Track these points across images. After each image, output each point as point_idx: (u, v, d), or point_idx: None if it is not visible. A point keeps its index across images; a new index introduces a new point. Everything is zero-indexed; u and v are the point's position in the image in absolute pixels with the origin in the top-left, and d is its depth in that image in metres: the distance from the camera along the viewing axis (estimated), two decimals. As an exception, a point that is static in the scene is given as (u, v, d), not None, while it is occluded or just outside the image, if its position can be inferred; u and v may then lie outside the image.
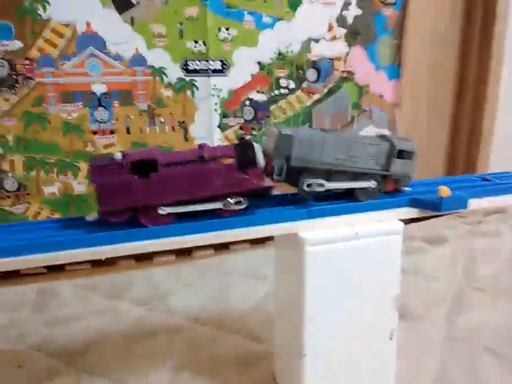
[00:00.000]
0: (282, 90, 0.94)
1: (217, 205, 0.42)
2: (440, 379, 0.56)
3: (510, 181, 0.54)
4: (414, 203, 0.48)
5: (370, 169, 0.46)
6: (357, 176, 0.46)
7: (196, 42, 0.85)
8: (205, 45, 0.86)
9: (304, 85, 0.96)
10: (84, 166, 0.84)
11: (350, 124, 1.02)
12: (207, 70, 0.87)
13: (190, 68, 0.86)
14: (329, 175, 0.45)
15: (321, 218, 0.45)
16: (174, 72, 0.85)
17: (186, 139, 0.89)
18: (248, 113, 0.92)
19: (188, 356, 0.61)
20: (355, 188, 0.46)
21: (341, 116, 1.01)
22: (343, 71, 0.98)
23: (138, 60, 0.83)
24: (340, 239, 0.45)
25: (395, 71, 1.03)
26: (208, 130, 0.90)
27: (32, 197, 0.83)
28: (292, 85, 0.94)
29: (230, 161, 0.41)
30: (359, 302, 0.47)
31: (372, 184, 0.46)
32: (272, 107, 0.94)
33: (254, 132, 0.94)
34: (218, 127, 0.91)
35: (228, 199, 0.41)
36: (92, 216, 0.41)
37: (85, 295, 0.78)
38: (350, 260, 0.46)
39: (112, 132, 0.84)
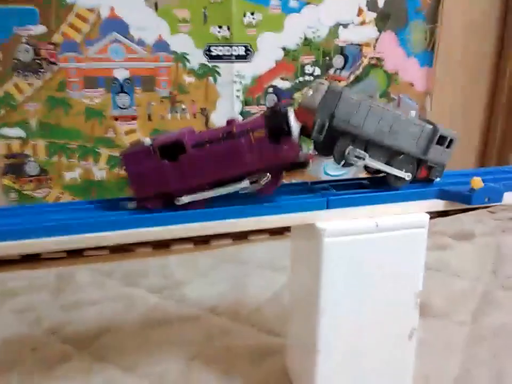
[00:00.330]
0: (307, 77, 0.91)
1: (244, 184, 0.39)
2: (461, 381, 0.53)
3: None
4: (442, 194, 0.45)
5: (409, 150, 0.43)
6: (393, 155, 0.43)
7: (220, 27, 0.83)
8: (229, 30, 0.84)
9: (331, 72, 0.92)
10: (104, 152, 0.84)
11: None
12: (230, 55, 0.85)
13: (213, 53, 0.84)
14: (367, 147, 0.42)
15: (341, 208, 0.43)
16: (197, 58, 0.84)
17: (207, 126, 0.87)
18: (271, 100, 0.90)
19: (201, 346, 0.60)
20: (391, 173, 0.43)
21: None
22: (371, 58, 0.94)
23: (161, 45, 0.82)
24: (360, 231, 0.43)
25: (427, 58, 0.98)
26: (229, 117, 0.88)
27: (53, 182, 0.83)
28: (318, 71, 0.91)
29: (262, 133, 0.38)
30: (377, 298, 0.45)
31: (407, 175, 0.43)
32: (296, 94, 0.91)
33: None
34: (240, 114, 0.89)
35: (256, 176, 0.39)
36: (132, 205, 0.40)
37: (102, 280, 0.78)
38: (370, 253, 0.43)
39: (133, 118, 0.84)
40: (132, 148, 0.40)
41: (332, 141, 0.41)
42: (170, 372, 0.55)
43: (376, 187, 0.45)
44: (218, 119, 0.87)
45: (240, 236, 0.94)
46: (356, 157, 0.41)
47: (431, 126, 0.43)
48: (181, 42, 0.82)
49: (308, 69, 0.90)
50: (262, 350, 0.59)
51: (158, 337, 0.62)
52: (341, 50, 0.91)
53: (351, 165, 0.42)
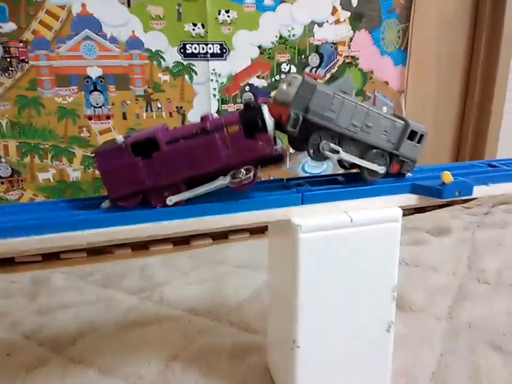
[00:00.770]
0: (284, 76, 0.91)
1: (225, 180, 0.39)
2: (439, 373, 0.54)
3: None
4: (415, 189, 0.45)
5: (381, 145, 0.44)
6: (366, 149, 0.43)
7: (195, 25, 0.83)
8: (203, 27, 0.83)
9: (307, 70, 0.93)
10: (79, 152, 0.82)
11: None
12: (205, 53, 0.84)
13: (188, 51, 0.83)
14: (340, 141, 0.42)
15: (316, 204, 0.43)
16: (172, 56, 0.83)
17: (182, 124, 0.86)
18: (248, 98, 0.90)
19: (180, 347, 0.59)
20: (365, 167, 0.44)
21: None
22: (346, 56, 0.95)
23: (135, 42, 0.81)
24: (335, 225, 0.43)
25: (401, 57, 0.99)
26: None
27: (26, 184, 0.81)
28: (294, 70, 0.92)
29: (236, 128, 0.38)
30: (354, 292, 0.45)
31: (381, 169, 0.44)
32: (273, 93, 0.91)
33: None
34: (217, 113, 0.88)
35: (233, 172, 0.39)
36: (106, 203, 0.39)
37: (79, 284, 0.77)
38: (345, 248, 0.44)
39: (108, 117, 0.82)
40: (104, 146, 0.39)
41: (306, 135, 0.41)
42: (149, 373, 0.54)
43: (351, 182, 0.45)
44: (194, 118, 0.87)
45: (220, 236, 0.94)
46: (330, 150, 0.41)
47: (402, 122, 0.44)
48: (155, 40, 0.81)
49: (284, 67, 0.91)
50: (242, 348, 0.59)
51: (136, 339, 0.61)
52: (317, 49, 0.92)
53: (326, 158, 0.42)
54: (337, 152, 0.42)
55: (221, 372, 0.54)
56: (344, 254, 0.44)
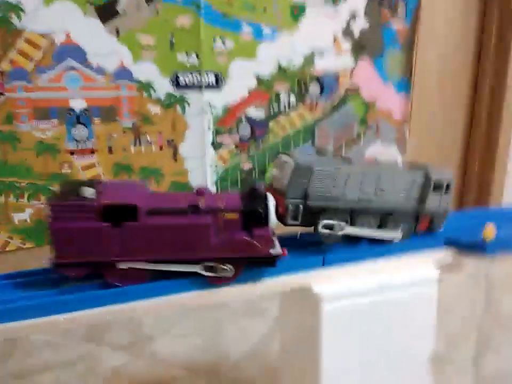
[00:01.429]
0: (282, 106, 0.86)
1: (200, 270, 0.33)
2: None
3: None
4: (452, 244, 0.39)
5: (401, 207, 0.38)
6: (386, 215, 0.38)
7: (188, 54, 0.77)
8: (198, 57, 0.77)
9: (307, 100, 0.88)
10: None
11: (356, 140, 0.94)
12: (199, 84, 0.79)
13: (180, 82, 0.77)
14: (353, 215, 0.37)
15: (338, 267, 0.37)
16: (163, 87, 0.77)
17: (175, 159, 0.80)
18: (244, 130, 0.84)
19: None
20: (375, 237, 0.38)
21: (346, 133, 0.93)
22: (348, 89, 0.90)
23: (123, 73, 0.75)
24: (362, 292, 0.36)
25: (404, 86, 0.95)
26: (200, 149, 0.81)
27: (0, 225, 0.73)
28: (293, 100, 0.86)
29: (234, 216, 0.32)
30: (385, 366, 0.39)
31: (397, 234, 0.38)
32: (271, 123, 0.86)
33: (251, 152, 0.85)
34: (212, 144, 0.82)
35: (210, 264, 0.32)
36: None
37: (58, 340, 0.68)
38: (374, 316, 0.37)
39: (92, 152, 0.75)
40: (64, 196, 0.31)
41: (311, 220, 0.36)
42: None
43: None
44: (187, 151, 0.80)
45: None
46: (340, 227, 0.36)
47: (421, 172, 0.39)
48: (145, 70, 0.75)
49: (283, 97, 0.85)
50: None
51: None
52: (317, 79, 0.87)
53: (334, 236, 0.37)
54: (342, 229, 0.36)
55: None
56: (374, 323, 0.37)
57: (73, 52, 0.72)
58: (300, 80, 0.86)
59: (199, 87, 0.78)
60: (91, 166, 0.76)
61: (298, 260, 0.36)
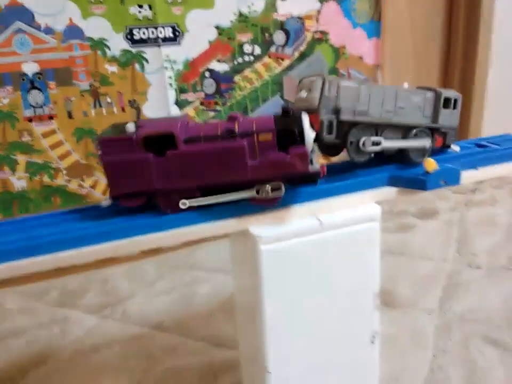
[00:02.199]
0: (247, 58, 0.83)
1: (248, 194, 0.34)
2: (431, 379, 0.48)
3: (509, 145, 0.45)
4: (393, 181, 0.39)
5: (419, 122, 0.40)
6: (405, 132, 0.40)
7: (141, 6, 0.74)
8: (151, 9, 0.74)
9: (272, 49, 0.85)
10: (22, 158, 0.73)
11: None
12: (156, 38, 0.75)
13: (135, 37, 0.74)
14: (377, 132, 0.39)
15: (278, 208, 0.36)
16: (118, 44, 0.74)
17: (137, 119, 0.78)
18: (209, 86, 0.81)
19: (143, 371, 0.53)
20: (410, 146, 0.40)
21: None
22: (315, 32, 0.87)
23: (73, 31, 0.72)
24: (302, 232, 0.36)
25: (375, 29, 0.92)
26: (164, 108, 0.79)
27: (-35, 198, 0.73)
28: (258, 50, 0.83)
29: (268, 137, 0.32)
30: (330, 305, 0.39)
31: (427, 142, 0.40)
32: (237, 77, 0.83)
33: (218, 108, 0.83)
34: (176, 104, 0.80)
35: (265, 185, 0.33)
36: (106, 201, 0.34)
37: (32, 304, 0.69)
38: (316, 256, 0.37)
39: (51, 117, 0.73)
40: (112, 132, 0.33)
41: (340, 137, 0.37)
42: None
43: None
44: (151, 111, 0.78)
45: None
46: (373, 144, 0.38)
47: (431, 92, 0.41)
48: (97, 27, 0.72)
49: (247, 48, 0.82)
50: (214, 366, 0.53)
51: (94, 366, 0.55)
52: (281, 25, 0.84)
53: (369, 154, 0.38)
54: (379, 143, 0.38)
55: None
56: (315, 263, 0.37)
57: (20, 13, 0.69)
58: (263, 29, 0.82)
59: (156, 42, 0.75)
60: (51, 132, 0.74)
61: (237, 205, 0.35)
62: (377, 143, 0.38)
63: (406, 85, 0.41)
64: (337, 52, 0.90)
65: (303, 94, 0.38)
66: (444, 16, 0.99)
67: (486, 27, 0.95)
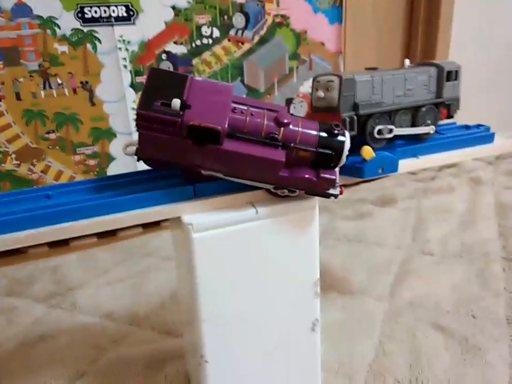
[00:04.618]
0: (205, 40, 0.81)
1: (270, 187, 0.35)
2: (377, 364, 0.49)
3: (452, 133, 0.46)
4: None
5: (427, 100, 0.43)
6: (415, 112, 0.43)
7: (92, -16, 0.71)
8: (103, -14, 0.71)
9: (232, 33, 0.83)
10: (-33, 142, 0.70)
11: (289, 77, 0.90)
12: (109, 17, 0.73)
13: (87, 16, 0.71)
14: (390, 117, 0.41)
15: (212, 197, 0.35)
16: (68, 22, 0.71)
17: (92, 103, 0.75)
18: (166, 68, 0.79)
19: (90, 361, 0.52)
20: (418, 132, 0.43)
21: (277, 68, 0.89)
22: (276, 15, 0.85)
23: (22, 9, 0.68)
24: (237, 220, 0.35)
25: (337, 14, 0.91)
26: (118, 91, 0.76)
27: None
28: (217, 33, 0.81)
29: (307, 154, 0.33)
30: (268, 294, 0.39)
31: (431, 129, 0.43)
32: (195, 60, 0.81)
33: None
34: (131, 86, 0.77)
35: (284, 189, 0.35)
36: (130, 148, 0.34)
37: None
38: (251, 244, 0.37)
39: (-3, 99, 0.70)
40: (155, 106, 0.31)
41: (360, 125, 0.39)
42: None
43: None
44: (105, 94, 0.76)
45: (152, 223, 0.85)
46: (389, 130, 0.40)
47: (434, 67, 0.43)
48: (46, 4, 0.69)
49: (205, 30, 0.80)
50: (161, 356, 0.52)
51: (39, 357, 0.53)
52: (241, 8, 0.82)
53: (385, 140, 0.41)
54: (391, 130, 0.40)
55: (135, 381, 0.48)
56: (251, 252, 0.37)
57: (-39, -13, 0.65)
58: (222, 11, 0.80)
59: (108, 21, 0.73)
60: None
61: (168, 191, 0.34)
62: (391, 130, 0.40)
63: (407, 62, 0.44)
64: (298, 37, 0.89)
65: (321, 93, 0.39)
66: (406, 1, 0.99)
67: (446, 13, 0.96)
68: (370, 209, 0.89)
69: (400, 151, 0.40)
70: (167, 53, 0.79)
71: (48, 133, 0.73)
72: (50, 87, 0.72)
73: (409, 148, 0.42)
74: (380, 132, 0.39)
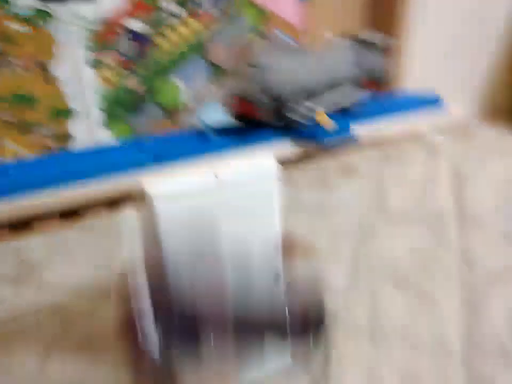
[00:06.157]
0: (166, 17, 0.79)
1: None
2: (340, 316, 0.51)
3: (400, 100, 0.47)
4: (290, 136, 0.39)
5: (348, 75, 0.43)
6: (336, 87, 0.42)
7: (43, -44, 0.68)
8: (55, -41, 0.68)
9: (194, 8, 0.81)
10: None
11: (252, 54, 0.90)
12: (63, -7, 0.70)
13: (39, -9, 0.69)
14: (311, 96, 0.41)
15: (171, 163, 0.36)
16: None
17: (48, 83, 0.73)
18: (126, 45, 0.77)
19: (59, 336, 0.52)
20: (337, 102, 0.42)
21: (241, 46, 0.88)
22: (238, -8, 0.84)
23: (-33, -17, 0.65)
24: (198, 189, 0.36)
25: (299, -10, 0.91)
26: (76, 70, 0.74)
27: None
28: (178, 9, 0.80)
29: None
30: (232, 264, 0.39)
31: (350, 93, 0.43)
32: (156, 37, 0.80)
33: (135, 69, 0.79)
34: (89, 64, 0.75)
35: None
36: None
37: None
38: (213, 211, 0.37)
39: None
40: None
41: (280, 109, 0.39)
42: (23, 373, 0.47)
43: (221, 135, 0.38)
44: (61, 73, 0.73)
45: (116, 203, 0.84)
46: (309, 108, 0.40)
47: (356, 41, 0.43)
48: (-6, -22, 0.66)
49: (166, 6, 0.79)
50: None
51: (7, 336, 0.53)
52: (202, -17, 0.80)
53: (310, 117, 0.41)
54: (312, 109, 0.40)
55: (107, 354, 0.48)
56: (214, 219, 0.37)
57: None
58: (183, -15, 0.79)
59: (63, -3, 0.70)
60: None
61: (127, 159, 0.34)
62: (311, 109, 0.40)
63: (329, 36, 0.43)
64: (263, 14, 0.88)
65: (235, 81, 0.40)
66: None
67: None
68: (332, 179, 0.91)
69: (354, 117, 0.41)
70: (126, 29, 0.77)
71: (2, 114, 0.71)
72: (2, 66, 0.69)
73: (366, 113, 0.43)
74: (300, 112, 0.40)
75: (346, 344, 0.47)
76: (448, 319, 0.50)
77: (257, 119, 0.38)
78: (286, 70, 0.39)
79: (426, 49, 1.08)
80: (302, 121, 0.40)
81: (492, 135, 1.10)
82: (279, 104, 0.39)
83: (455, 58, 1.15)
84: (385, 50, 0.44)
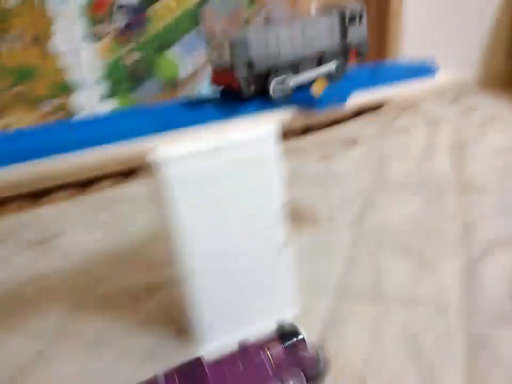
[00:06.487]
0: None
1: None
2: (343, 285, 0.53)
3: (394, 67, 0.48)
4: (287, 102, 0.41)
5: (330, 47, 0.43)
6: (320, 59, 0.43)
7: None
8: None
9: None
10: None
11: (246, 25, 0.90)
12: (55, -35, 0.70)
13: (31, -36, 0.68)
14: (295, 68, 0.41)
15: (179, 131, 0.37)
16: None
17: (46, 56, 0.73)
18: (120, 18, 0.77)
19: (79, 298, 0.55)
20: (320, 74, 0.43)
21: (235, 17, 0.88)
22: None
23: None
24: (202, 155, 0.37)
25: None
26: (72, 43, 0.74)
27: None
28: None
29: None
30: (238, 224, 0.42)
31: (333, 64, 0.43)
32: (149, 10, 0.79)
33: (131, 42, 0.79)
34: (85, 38, 0.75)
35: None
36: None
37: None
38: (218, 177, 0.39)
39: None
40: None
41: (262, 81, 0.39)
42: (48, 326, 0.51)
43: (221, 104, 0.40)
44: (58, 47, 0.73)
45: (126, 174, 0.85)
46: (283, 81, 0.40)
47: (336, 13, 0.43)
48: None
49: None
50: (150, 287, 0.55)
51: (32, 294, 0.56)
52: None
53: (289, 91, 0.41)
54: (296, 81, 0.41)
55: (125, 313, 0.51)
56: (219, 184, 0.39)
57: None
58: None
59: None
60: None
61: (132, 127, 0.36)
62: (294, 81, 0.41)
63: (313, 11, 0.43)
64: (255, -18, 0.88)
65: (215, 53, 0.39)
66: None
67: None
68: (334, 150, 0.93)
69: (351, 84, 0.43)
70: (122, 2, 0.76)
71: (6, 88, 0.71)
72: (2, 42, 0.70)
73: (360, 82, 0.44)
74: (285, 83, 0.40)
75: (350, 307, 0.50)
76: (447, 283, 0.52)
77: (238, 92, 0.39)
78: (269, 43, 0.39)
79: (422, 13, 1.08)
80: (285, 95, 0.41)
81: (491, 103, 1.11)
82: (261, 78, 0.39)
83: (452, 23, 1.15)
84: (364, 20, 0.45)
